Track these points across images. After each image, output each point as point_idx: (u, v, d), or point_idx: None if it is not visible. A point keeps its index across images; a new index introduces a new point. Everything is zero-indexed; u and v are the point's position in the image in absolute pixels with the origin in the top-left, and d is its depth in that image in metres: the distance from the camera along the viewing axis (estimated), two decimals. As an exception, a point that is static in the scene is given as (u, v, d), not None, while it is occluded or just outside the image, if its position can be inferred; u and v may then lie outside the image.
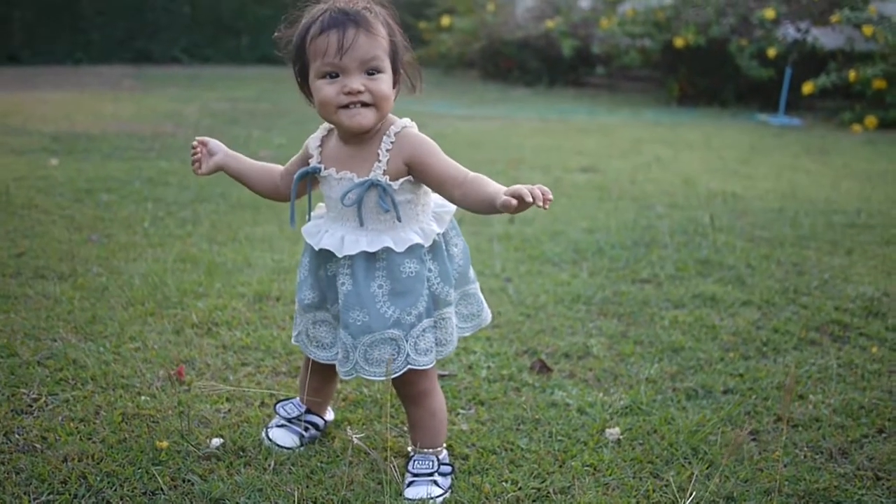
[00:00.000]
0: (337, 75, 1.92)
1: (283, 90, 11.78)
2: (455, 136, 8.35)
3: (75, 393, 2.45)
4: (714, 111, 11.21)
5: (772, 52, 10.23)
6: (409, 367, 2.00)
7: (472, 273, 2.19)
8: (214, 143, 2.19)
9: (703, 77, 11.72)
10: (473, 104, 11.63)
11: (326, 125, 2.08)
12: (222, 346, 2.84)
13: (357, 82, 1.91)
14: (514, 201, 1.78)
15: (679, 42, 11.00)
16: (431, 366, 2.04)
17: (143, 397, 2.44)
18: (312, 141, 2.08)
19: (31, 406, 2.37)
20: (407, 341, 1.99)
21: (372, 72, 1.93)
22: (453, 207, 2.09)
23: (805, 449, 2.33)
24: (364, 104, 1.92)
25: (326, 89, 1.92)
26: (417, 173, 1.98)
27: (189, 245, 4.16)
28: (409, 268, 1.99)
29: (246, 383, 2.57)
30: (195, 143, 2.17)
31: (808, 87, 9.89)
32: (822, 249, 4.34)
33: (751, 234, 4.65)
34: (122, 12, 16.06)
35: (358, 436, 2.21)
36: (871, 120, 9.63)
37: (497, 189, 1.88)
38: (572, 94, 13.15)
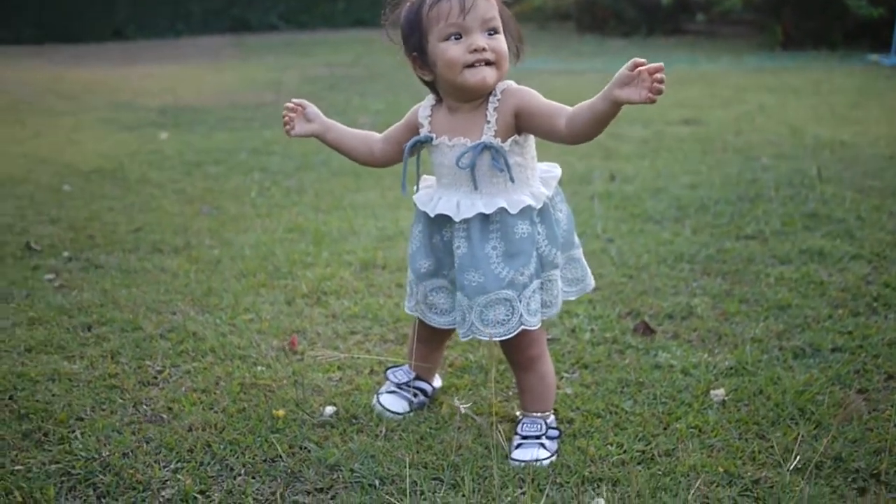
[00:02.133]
0: (460, 36, 1.97)
1: (376, 53, 11.87)
2: (550, 94, 8.28)
3: (196, 364, 2.58)
4: (821, 54, 10.84)
5: (882, -12, 9.82)
6: (523, 327, 2.05)
7: (576, 238, 2.23)
8: (313, 109, 2.21)
9: (808, 19, 11.32)
10: (569, 58, 11.52)
11: (432, 97, 2.12)
12: (332, 316, 2.94)
13: (482, 40, 1.96)
14: (651, 95, 1.74)
15: (782, -17, 10.65)
16: (539, 328, 2.08)
17: (259, 367, 2.55)
18: (422, 110, 2.13)
19: (157, 378, 2.51)
20: (520, 301, 2.04)
21: (492, 32, 1.98)
22: (559, 172, 2.15)
23: (917, 408, 2.29)
24: (487, 62, 1.97)
25: (453, 49, 1.97)
26: (524, 119, 2.01)
27: (295, 214, 4.29)
28: (522, 229, 2.03)
29: (356, 351, 2.66)
30: (291, 103, 2.20)
31: (921, 24, 9.46)
32: (936, 198, 4.19)
33: (861, 184, 4.53)
34: (219, -18, 16.38)
35: (465, 405, 2.27)
36: None
37: (597, 96, 1.85)
38: (672, 42, 12.89)
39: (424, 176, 2.20)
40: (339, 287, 3.20)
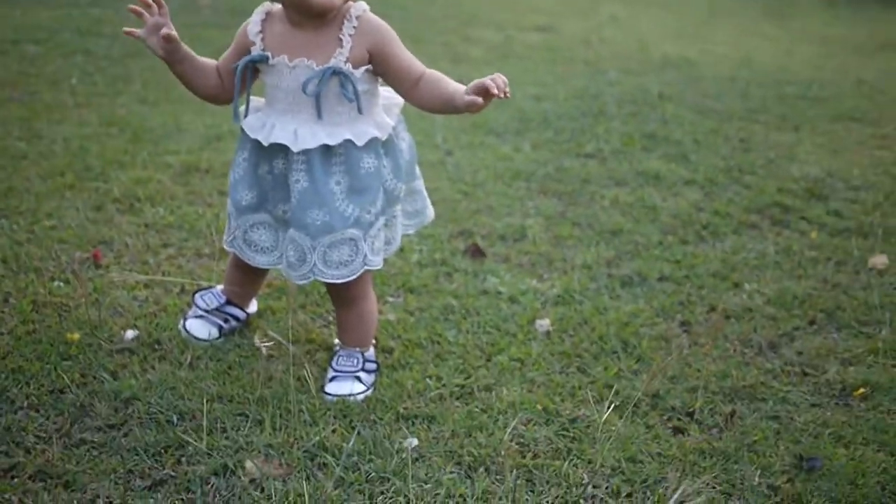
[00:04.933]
0: None
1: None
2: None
3: (-17, 277, 2.33)
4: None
5: None
6: (366, 267, 1.91)
7: (417, 168, 2.09)
8: (168, 20, 1.86)
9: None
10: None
11: (263, 8, 1.88)
12: (144, 225, 2.72)
13: None
14: (480, 100, 1.72)
15: None
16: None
17: (56, 283, 2.33)
18: (252, 27, 1.88)
19: (-64, 291, 2.26)
20: (365, 241, 1.90)
21: None
22: (401, 99, 1.98)
23: (735, 342, 2.31)
24: None
25: None
26: (378, 63, 1.85)
27: (118, 106, 3.98)
28: (368, 163, 1.88)
29: (166, 266, 2.47)
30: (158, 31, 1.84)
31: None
32: (770, 124, 4.27)
33: (701, 105, 4.56)
34: None
35: (266, 343, 2.11)
36: (832, -20, 9.43)
37: (457, 88, 1.81)
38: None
39: (253, 97, 1.97)
40: (156, 192, 2.96)
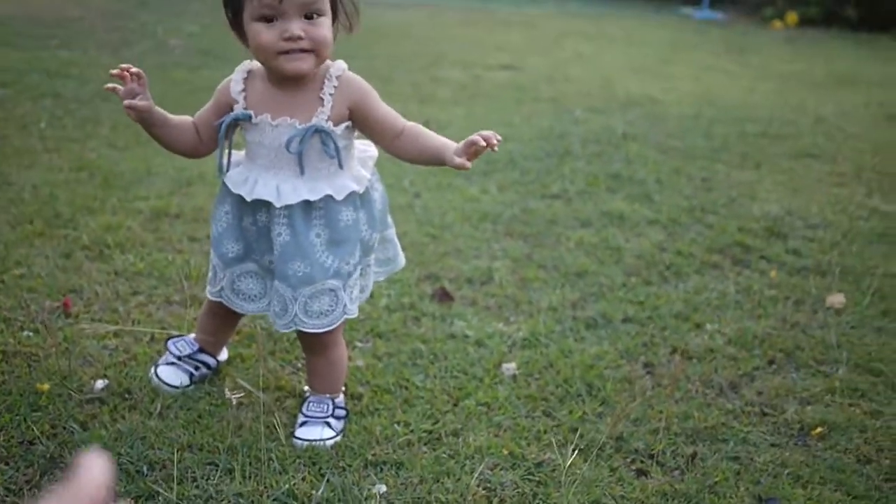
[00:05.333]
0: (273, 19, 1.77)
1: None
2: (384, 27, 8.13)
3: (-47, 327, 2.34)
4: (639, 3, 11.10)
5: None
6: (346, 316, 1.96)
7: (389, 217, 2.13)
8: (145, 82, 1.87)
9: (628, -34, 11.59)
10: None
11: (244, 67, 1.92)
12: (114, 273, 2.74)
13: (297, 27, 1.76)
14: (469, 164, 1.78)
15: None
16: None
17: (25, 332, 2.34)
18: (234, 86, 1.90)
19: None
20: (345, 291, 1.94)
21: (311, 15, 1.78)
22: (375, 152, 2.03)
23: (697, 383, 2.36)
24: (303, 50, 1.79)
25: (265, 34, 1.77)
26: (358, 120, 1.90)
27: (87, 150, 4.00)
28: (347, 216, 1.92)
29: (136, 314, 2.49)
30: (124, 71, 1.83)
31: (732, -18, 9.84)
32: (732, 163, 4.36)
33: (664, 144, 4.65)
34: None
35: (238, 394, 2.13)
36: (791, 17, 9.66)
37: (443, 143, 1.85)
38: (498, -20, 12.86)
39: (233, 151, 1.99)
40: (125, 239, 2.98)
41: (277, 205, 1.87)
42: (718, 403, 2.27)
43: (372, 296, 2.68)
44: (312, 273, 1.90)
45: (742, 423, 2.19)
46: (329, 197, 1.89)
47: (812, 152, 4.70)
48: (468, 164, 1.78)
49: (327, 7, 1.82)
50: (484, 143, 1.75)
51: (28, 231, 2.98)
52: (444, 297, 2.74)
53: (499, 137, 1.77)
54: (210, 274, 2.07)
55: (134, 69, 1.85)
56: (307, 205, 1.89)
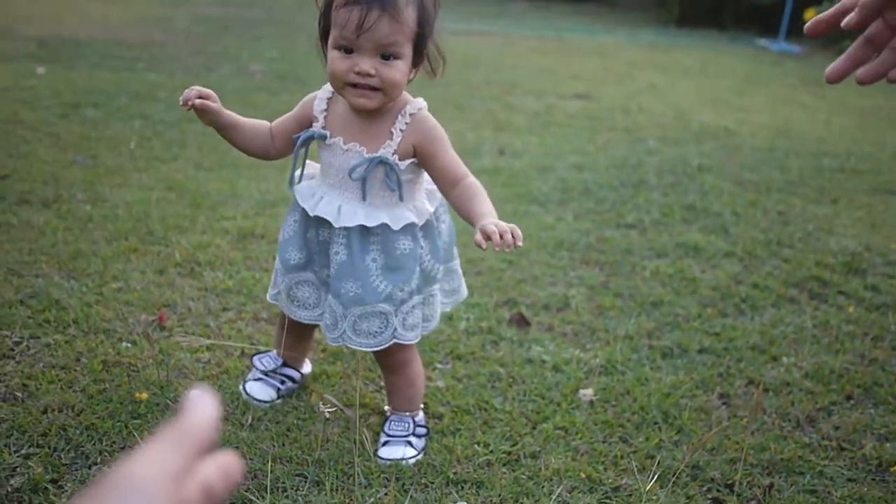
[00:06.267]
0: (351, 51, 1.84)
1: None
2: (457, 55, 8.24)
3: (57, 337, 2.46)
4: (713, 34, 11.07)
5: (775, -24, 10.08)
6: (395, 341, 2.01)
7: (455, 249, 2.19)
8: (215, 99, 1.97)
9: (704, -2, 11.57)
10: (470, 18, 11.45)
11: (329, 87, 2.00)
12: (204, 289, 2.85)
13: (368, 64, 1.82)
14: (484, 245, 1.75)
15: (681, -39, 10.83)
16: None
17: (124, 344, 2.46)
18: (318, 103, 1.99)
19: (13, 350, 2.39)
20: (396, 316, 1.99)
21: (388, 56, 1.83)
22: None
23: (774, 415, 2.38)
24: (372, 88, 1.85)
25: (338, 63, 1.84)
26: (422, 160, 1.95)
27: (175, 171, 4.15)
28: (404, 245, 1.97)
29: (226, 330, 2.59)
30: (198, 94, 1.90)
31: (809, 13, 9.75)
32: (808, 197, 4.35)
33: (739, 176, 4.65)
34: None
35: (330, 408, 2.22)
36: (870, 50, 9.55)
37: (481, 213, 1.85)
38: (571, 9, 12.94)
39: (309, 161, 2.09)
40: (215, 257, 3.10)
41: (336, 225, 1.95)
42: (795, 436, 2.28)
43: (451, 319, 2.76)
44: (364, 295, 1.96)
45: (819, 457, 2.20)
46: (386, 225, 1.95)
47: (891, 188, 4.66)
48: (483, 244, 1.74)
49: (406, 52, 1.85)
50: (497, 248, 1.72)
51: (124, 247, 3.12)
52: (521, 322, 2.79)
53: (519, 243, 1.74)
54: (273, 277, 2.17)
55: (205, 90, 1.91)
56: (364, 229, 1.95)
